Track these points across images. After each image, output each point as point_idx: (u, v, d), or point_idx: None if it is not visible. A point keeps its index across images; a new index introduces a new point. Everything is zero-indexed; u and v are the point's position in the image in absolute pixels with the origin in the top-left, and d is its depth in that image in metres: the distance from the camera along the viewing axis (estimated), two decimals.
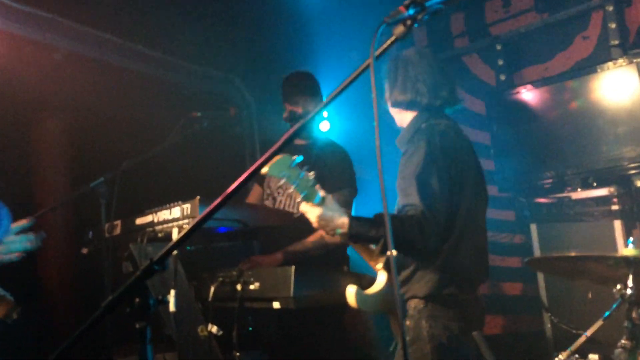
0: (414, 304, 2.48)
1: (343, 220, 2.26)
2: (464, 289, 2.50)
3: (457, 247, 2.47)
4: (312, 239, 3.39)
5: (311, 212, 2.23)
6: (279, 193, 3.67)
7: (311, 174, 2.15)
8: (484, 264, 2.62)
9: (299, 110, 3.61)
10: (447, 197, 2.40)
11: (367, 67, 1.52)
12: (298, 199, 2.21)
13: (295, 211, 3.54)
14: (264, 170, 2.04)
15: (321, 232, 3.37)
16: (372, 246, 2.47)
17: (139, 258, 2.89)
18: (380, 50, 1.52)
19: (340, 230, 2.29)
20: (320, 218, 2.23)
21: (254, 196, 3.91)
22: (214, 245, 3.41)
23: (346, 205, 3.42)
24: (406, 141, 2.62)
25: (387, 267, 2.49)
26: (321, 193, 2.20)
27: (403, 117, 2.72)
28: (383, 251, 2.34)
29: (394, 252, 2.52)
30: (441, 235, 2.40)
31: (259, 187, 3.89)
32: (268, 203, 3.71)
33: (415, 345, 2.44)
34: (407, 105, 2.67)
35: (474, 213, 2.57)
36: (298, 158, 2.09)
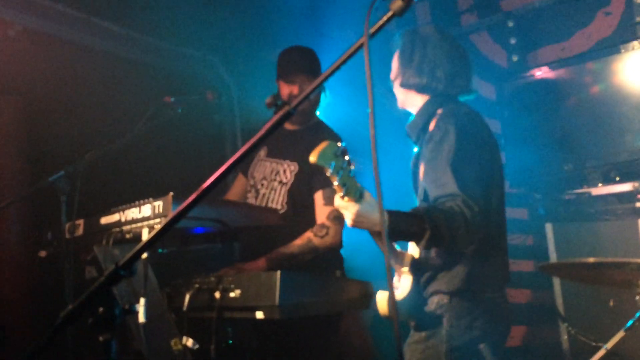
0: (437, 299, 2.54)
1: (384, 216, 2.26)
2: (493, 287, 2.58)
3: (487, 242, 2.52)
4: (299, 241, 3.39)
5: (348, 208, 2.20)
6: (262, 185, 3.66)
7: (352, 165, 2.13)
8: (507, 264, 2.67)
9: (295, 90, 3.60)
10: (484, 185, 2.44)
11: (361, 46, 1.53)
12: (340, 194, 2.17)
13: (279, 207, 3.55)
14: (312, 159, 2.00)
15: (309, 234, 3.41)
16: (396, 246, 2.56)
17: (104, 262, 2.89)
18: (376, 27, 1.53)
19: (377, 228, 2.28)
20: (358, 215, 2.20)
21: (237, 188, 3.91)
22: (189, 247, 3.41)
23: None
24: (420, 127, 2.67)
25: (413, 269, 2.52)
26: (359, 192, 2.19)
27: (410, 99, 2.76)
28: (427, 247, 2.36)
29: (416, 253, 2.56)
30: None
31: (243, 177, 3.89)
32: (250, 196, 3.70)
33: (431, 342, 2.50)
34: (420, 89, 2.72)
35: (501, 206, 2.63)
36: (343, 143, 2.07)
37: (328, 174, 2.06)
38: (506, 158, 4.66)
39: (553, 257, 4.28)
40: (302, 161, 3.56)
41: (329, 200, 3.43)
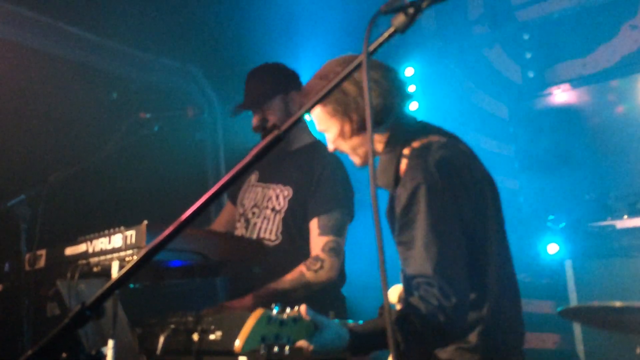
0: None
1: (344, 339, 2.25)
2: (511, 355, 2.52)
3: (496, 311, 2.46)
4: (290, 276, 3.38)
5: (305, 348, 2.21)
6: (253, 213, 3.66)
7: (294, 311, 2.13)
8: (521, 316, 2.62)
9: (267, 115, 3.63)
10: (467, 254, 2.38)
11: (359, 65, 1.56)
12: (287, 347, 2.17)
13: (273, 237, 3.54)
14: (237, 347, 2.01)
15: (301, 267, 3.41)
16: None
17: (68, 298, 2.87)
18: (375, 45, 1.55)
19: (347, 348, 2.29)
20: (316, 351, 2.20)
21: (224, 217, 3.91)
22: (165, 282, 3.40)
23: (337, 232, 3.43)
24: (393, 174, 2.54)
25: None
26: (312, 325, 2.20)
27: (365, 141, 2.61)
28: (402, 356, 2.35)
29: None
30: (473, 306, 2.40)
31: (232, 205, 3.89)
32: (240, 225, 3.70)
33: None
34: (390, 105, 2.55)
35: (503, 251, 2.56)
36: (276, 307, 2.07)
37: (262, 350, 2.07)
38: (520, 185, 4.69)
39: (573, 298, 4.28)
40: (297, 185, 3.57)
41: (324, 229, 3.43)
